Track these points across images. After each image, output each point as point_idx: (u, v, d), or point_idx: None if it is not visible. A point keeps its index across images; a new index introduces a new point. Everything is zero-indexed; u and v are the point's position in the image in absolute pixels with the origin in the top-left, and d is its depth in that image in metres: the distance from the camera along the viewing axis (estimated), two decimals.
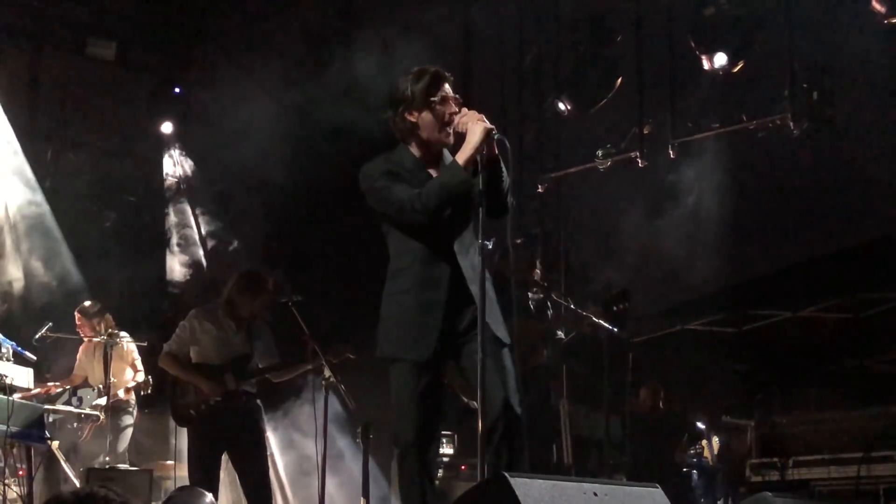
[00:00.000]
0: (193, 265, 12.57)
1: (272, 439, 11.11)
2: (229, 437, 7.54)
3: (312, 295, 7.88)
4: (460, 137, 4.68)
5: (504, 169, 4.66)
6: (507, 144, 4.63)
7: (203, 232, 12.61)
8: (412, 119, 4.79)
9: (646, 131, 10.80)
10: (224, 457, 7.74)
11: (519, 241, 7.75)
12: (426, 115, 4.76)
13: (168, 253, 12.56)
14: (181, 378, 7.58)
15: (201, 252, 12.56)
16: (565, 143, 12.03)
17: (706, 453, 10.41)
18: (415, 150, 4.84)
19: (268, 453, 7.90)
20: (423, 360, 4.68)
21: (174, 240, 12.62)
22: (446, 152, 4.88)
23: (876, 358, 10.73)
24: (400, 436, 4.76)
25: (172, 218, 12.69)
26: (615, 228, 10.89)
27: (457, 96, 4.82)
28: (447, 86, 4.81)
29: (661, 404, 10.78)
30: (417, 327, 4.69)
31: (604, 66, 11.09)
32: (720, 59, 10.03)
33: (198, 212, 12.71)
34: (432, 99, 4.76)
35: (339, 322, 10.07)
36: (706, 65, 10.12)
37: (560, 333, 8.04)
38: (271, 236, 12.41)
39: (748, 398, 10.51)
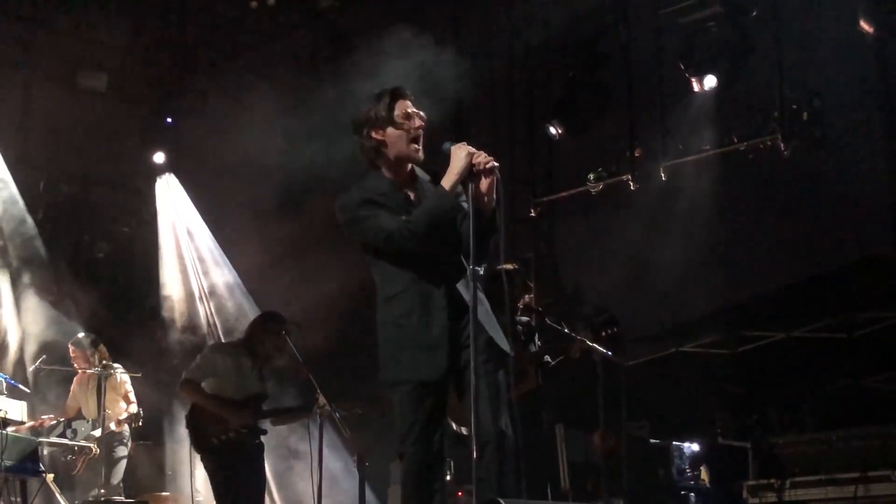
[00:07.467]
0: (187, 297, 12.53)
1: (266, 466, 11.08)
2: (239, 470, 7.66)
3: (307, 324, 7.95)
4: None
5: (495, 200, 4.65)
6: (498, 172, 4.62)
7: (196, 262, 12.58)
8: (378, 137, 4.76)
9: (637, 154, 10.84)
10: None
11: (512, 266, 7.73)
12: (391, 131, 4.73)
13: (161, 284, 12.51)
14: (206, 406, 7.65)
15: (194, 283, 12.52)
16: (557, 166, 12.06)
17: (703, 476, 10.36)
18: (386, 172, 4.80)
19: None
20: (433, 379, 4.63)
21: (167, 270, 12.58)
22: (419, 171, 4.85)
23: (871, 377, 10.70)
24: (408, 458, 4.67)
25: (165, 247, 12.65)
26: (608, 252, 10.90)
27: (420, 113, 4.79)
28: (409, 102, 4.79)
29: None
30: (425, 348, 4.64)
31: (594, 90, 11.14)
32: (710, 81, 10.09)
33: (190, 242, 12.68)
34: (395, 114, 4.73)
35: (332, 350, 10.05)
36: (696, 87, 10.18)
37: (547, 358, 8.03)
38: (265, 265, 12.39)
39: (744, 420, 10.48)
